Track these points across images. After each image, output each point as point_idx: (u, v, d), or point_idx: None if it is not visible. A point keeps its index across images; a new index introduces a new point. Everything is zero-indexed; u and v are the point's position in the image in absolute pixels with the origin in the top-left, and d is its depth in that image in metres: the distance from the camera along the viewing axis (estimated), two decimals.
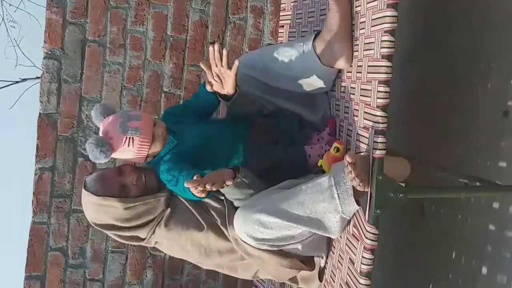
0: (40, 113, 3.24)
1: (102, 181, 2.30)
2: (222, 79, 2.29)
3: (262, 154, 2.30)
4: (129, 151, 2.28)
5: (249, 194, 2.20)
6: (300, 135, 2.45)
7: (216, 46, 2.21)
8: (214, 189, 2.04)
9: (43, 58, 3.24)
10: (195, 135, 2.35)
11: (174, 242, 2.37)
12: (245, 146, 2.37)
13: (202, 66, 2.29)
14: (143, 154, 2.31)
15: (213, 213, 2.33)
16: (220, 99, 2.39)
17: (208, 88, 2.37)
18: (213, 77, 2.30)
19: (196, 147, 2.33)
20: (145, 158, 2.36)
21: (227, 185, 2.10)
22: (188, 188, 2.08)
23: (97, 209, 2.30)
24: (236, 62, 2.22)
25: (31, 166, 3.28)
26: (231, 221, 2.22)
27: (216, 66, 2.24)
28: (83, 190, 2.32)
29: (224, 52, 2.21)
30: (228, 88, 2.30)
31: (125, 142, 2.25)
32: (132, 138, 2.25)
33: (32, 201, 3.26)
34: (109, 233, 2.38)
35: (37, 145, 3.25)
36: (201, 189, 2.04)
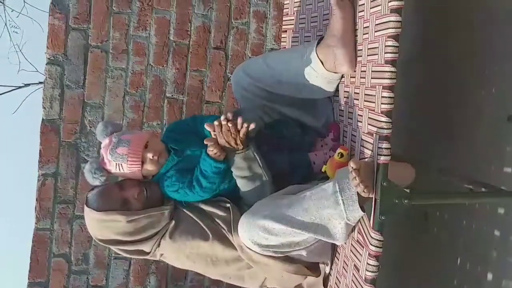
0: (43, 119, 3.24)
1: (103, 196, 2.30)
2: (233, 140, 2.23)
3: (266, 163, 2.28)
4: (122, 173, 2.32)
5: (256, 174, 2.23)
6: (303, 141, 2.44)
7: (223, 118, 2.18)
8: (231, 129, 2.14)
9: (46, 64, 3.25)
10: (197, 155, 2.30)
11: (180, 253, 2.36)
12: None
13: (207, 142, 2.21)
14: (137, 175, 2.32)
15: (218, 221, 2.32)
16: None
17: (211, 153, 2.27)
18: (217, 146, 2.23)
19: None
20: (145, 176, 2.36)
21: (242, 134, 2.17)
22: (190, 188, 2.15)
23: (100, 225, 2.31)
24: (252, 125, 2.19)
25: (34, 172, 3.28)
26: (236, 228, 2.21)
27: (229, 130, 2.19)
28: (85, 206, 2.33)
29: (240, 120, 2.18)
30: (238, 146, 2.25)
31: (115, 167, 2.29)
32: (121, 164, 2.28)
33: (35, 207, 3.26)
34: (114, 248, 2.39)
35: (40, 151, 3.25)
36: (219, 128, 2.14)
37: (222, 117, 2.17)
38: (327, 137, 2.40)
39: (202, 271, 2.45)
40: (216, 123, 2.18)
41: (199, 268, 2.43)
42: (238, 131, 2.17)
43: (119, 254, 2.44)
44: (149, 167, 2.30)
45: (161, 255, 2.40)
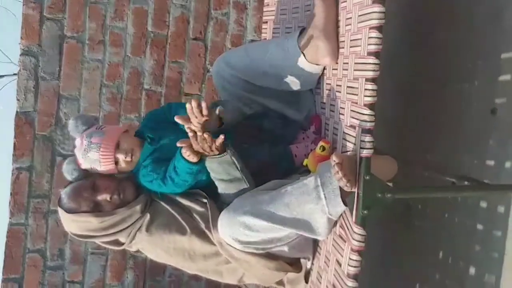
0: (17, 111, 3.22)
1: (75, 198, 2.28)
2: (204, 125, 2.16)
3: (247, 157, 2.25)
4: (98, 172, 2.30)
5: (234, 177, 2.18)
6: (285, 134, 2.42)
7: (194, 102, 2.10)
8: (201, 121, 2.06)
9: (20, 55, 3.22)
10: (174, 143, 2.23)
11: (156, 247, 2.34)
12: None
13: (177, 120, 2.17)
14: (114, 172, 2.31)
15: (196, 216, 2.30)
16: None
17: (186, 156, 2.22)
18: (191, 130, 2.13)
19: (176, 152, 2.25)
20: (122, 171, 2.34)
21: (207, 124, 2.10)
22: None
23: (72, 224, 2.31)
24: (220, 109, 2.18)
25: (8, 165, 3.26)
26: (215, 224, 2.19)
27: (197, 117, 2.12)
28: (58, 205, 2.32)
29: (203, 104, 2.09)
30: (212, 125, 2.21)
31: (90, 168, 2.29)
32: (94, 167, 2.28)
33: (9, 202, 3.24)
34: (89, 241, 2.37)
35: (14, 144, 3.22)
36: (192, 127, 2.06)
37: (193, 104, 2.10)
38: (308, 130, 2.39)
39: (179, 265, 2.43)
40: (187, 106, 2.12)
41: (177, 262, 2.41)
42: (214, 141, 2.10)
43: (96, 249, 2.44)
44: (123, 166, 2.29)
45: (138, 249, 2.39)
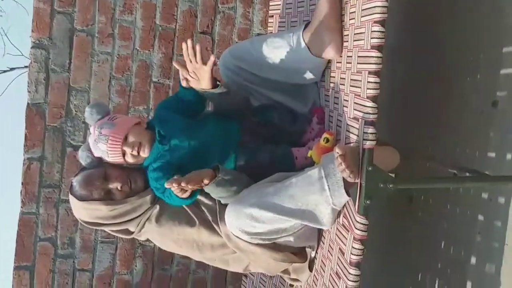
0: (28, 103, 3.22)
1: (86, 186, 2.30)
2: (199, 75, 2.26)
3: (250, 157, 2.29)
4: (108, 161, 2.33)
5: (233, 191, 2.19)
6: (294, 128, 2.42)
7: (189, 42, 2.18)
8: (190, 187, 2.04)
9: (31, 48, 3.22)
10: (185, 144, 2.29)
11: (165, 237, 2.38)
12: (237, 152, 2.32)
13: (175, 65, 2.27)
14: (122, 163, 2.33)
15: (204, 209, 2.33)
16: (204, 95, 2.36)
17: (184, 84, 2.34)
18: (188, 74, 2.27)
19: (186, 157, 2.28)
20: (130, 164, 2.35)
21: (205, 184, 2.10)
22: (173, 192, 2.10)
23: (83, 211, 2.34)
24: (212, 58, 2.19)
25: (19, 156, 3.27)
26: (222, 218, 2.21)
27: (191, 62, 2.21)
28: (69, 192, 2.36)
29: (198, 48, 2.17)
30: (204, 84, 2.27)
31: (101, 157, 2.32)
32: (104, 156, 2.30)
33: (21, 191, 3.25)
34: (98, 229, 2.39)
35: (25, 135, 3.23)
36: (180, 188, 2.03)
37: (188, 44, 2.18)
38: (312, 122, 2.39)
39: (187, 254, 2.47)
40: (183, 46, 2.18)
41: (185, 252, 2.45)
42: (203, 180, 2.09)
43: (106, 238, 2.45)
44: (130, 160, 2.30)
45: (147, 238, 2.44)
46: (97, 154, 2.30)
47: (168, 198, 2.25)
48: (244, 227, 2.11)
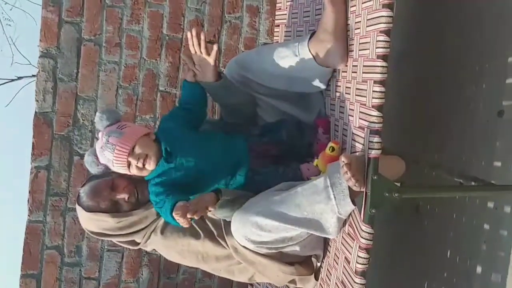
0: (35, 112, 3.24)
1: (94, 197, 2.30)
2: (203, 66, 2.30)
3: (262, 181, 2.25)
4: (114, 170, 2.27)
5: (236, 209, 2.16)
6: (302, 142, 2.39)
7: (194, 31, 2.22)
8: (197, 217, 2.00)
9: (39, 57, 3.24)
10: (191, 164, 2.24)
11: (170, 249, 2.39)
12: (246, 176, 2.28)
13: (183, 56, 2.31)
14: (127, 174, 2.25)
15: (209, 223, 2.33)
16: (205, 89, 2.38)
17: (189, 77, 2.36)
18: (194, 66, 2.32)
19: (191, 176, 2.24)
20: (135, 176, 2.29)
21: (210, 211, 2.07)
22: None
23: (89, 222, 2.34)
24: (215, 47, 2.25)
25: (27, 164, 3.28)
26: (228, 231, 2.20)
27: (196, 52, 2.27)
28: (76, 203, 2.36)
29: (202, 36, 2.24)
30: (209, 75, 2.31)
31: (107, 165, 2.26)
32: (109, 165, 2.23)
33: (28, 200, 3.26)
34: (105, 239, 2.39)
35: (33, 143, 3.24)
36: (184, 218, 1.97)
37: (193, 32, 2.24)
38: (318, 133, 2.39)
39: (192, 265, 2.47)
40: (188, 34, 2.25)
41: (190, 263, 2.45)
42: (206, 210, 2.05)
43: (112, 247, 2.45)
44: (134, 172, 2.22)
45: (153, 249, 2.45)
46: (102, 161, 2.24)
47: (164, 214, 2.19)
48: (250, 235, 2.11)
